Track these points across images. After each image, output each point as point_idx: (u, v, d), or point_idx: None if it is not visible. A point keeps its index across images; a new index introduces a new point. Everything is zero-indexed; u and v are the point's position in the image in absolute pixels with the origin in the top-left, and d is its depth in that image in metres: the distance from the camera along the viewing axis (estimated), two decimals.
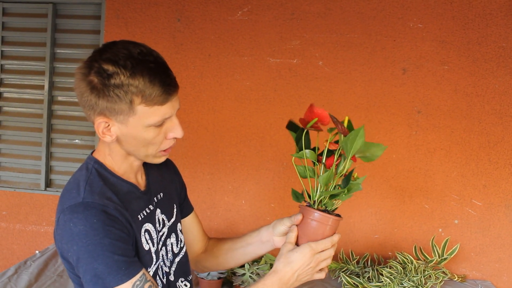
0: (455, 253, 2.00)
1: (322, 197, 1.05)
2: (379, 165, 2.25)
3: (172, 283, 1.18)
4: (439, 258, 2.00)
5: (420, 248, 2.05)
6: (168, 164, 1.27)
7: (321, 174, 1.04)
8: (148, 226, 1.11)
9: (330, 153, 1.06)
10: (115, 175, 1.07)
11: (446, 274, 1.98)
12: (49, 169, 2.61)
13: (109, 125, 0.99)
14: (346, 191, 1.05)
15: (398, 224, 2.28)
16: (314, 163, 1.08)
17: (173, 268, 1.20)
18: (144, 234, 1.09)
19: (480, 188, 2.22)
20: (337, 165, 1.05)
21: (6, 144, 2.64)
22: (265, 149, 2.32)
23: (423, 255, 2.02)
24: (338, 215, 1.06)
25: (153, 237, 1.13)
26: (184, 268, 1.25)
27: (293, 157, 1.08)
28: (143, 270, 0.98)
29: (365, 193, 2.27)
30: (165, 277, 1.16)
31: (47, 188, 2.59)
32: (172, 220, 1.22)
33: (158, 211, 1.16)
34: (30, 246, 2.58)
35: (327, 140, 1.06)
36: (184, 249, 1.24)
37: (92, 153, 1.11)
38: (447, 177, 2.23)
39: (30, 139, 2.62)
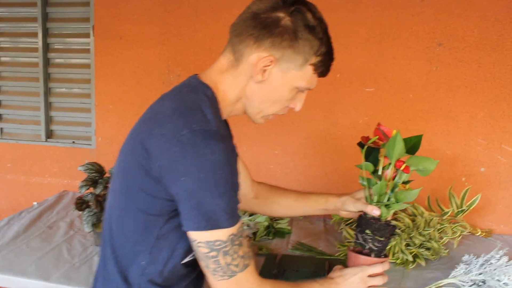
0: (475, 204, 1.75)
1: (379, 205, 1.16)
2: (393, 106, 2.00)
3: None
4: (456, 209, 1.76)
5: (436, 199, 1.81)
6: None
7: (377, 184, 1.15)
8: None
9: (388, 166, 1.14)
10: (221, 115, 1.00)
11: (466, 228, 1.75)
12: (49, 120, 2.53)
13: (269, 65, 0.97)
14: (394, 200, 1.14)
15: (415, 172, 2.03)
16: (372, 175, 1.18)
17: None
18: None
19: (511, 131, 1.93)
20: (393, 177, 1.14)
21: (5, 96, 2.57)
22: None
23: (438, 207, 1.79)
24: (385, 255, 1.17)
25: None
26: None
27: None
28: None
29: None
30: None
31: (48, 139, 2.52)
32: None
33: None
34: (35, 197, 2.54)
35: (382, 156, 1.16)
36: None
37: (198, 77, 1.04)
38: (472, 118, 1.95)
39: (27, 90, 2.53)
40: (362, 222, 1.18)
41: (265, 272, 1.45)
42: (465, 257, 1.56)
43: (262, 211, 1.44)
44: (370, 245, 1.15)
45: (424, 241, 1.66)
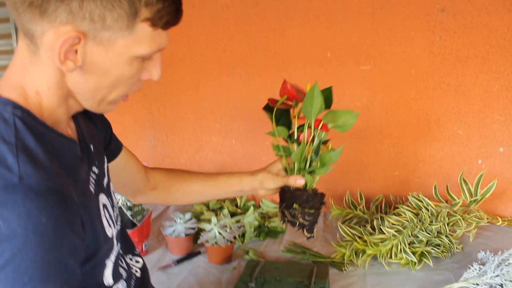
0: (491, 191, 1.51)
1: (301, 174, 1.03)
2: (393, 84, 1.77)
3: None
4: (470, 198, 1.53)
5: (446, 186, 1.58)
6: None
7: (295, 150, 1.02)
8: (103, 197, 0.81)
9: (302, 128, 1.02)
10: (50, 128, 0.70)
11: (482, 218, 1.52)
12: None
13: (79, 42, 0.64)
14: (319, 165, 1.01)
15: (423, 157, 1.81)
16: (287, 141, 1.05)
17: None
18: (104, 213, 0.78)
19: None
20: (312, 140, 1.02)
21: None
22: (252, 78, 1.91)
23: (449, 196, 1.56)
24: None
25: (111, 213, 0.81)
26: (126, 241, 0.95)
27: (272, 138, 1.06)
28: None
29: (378, 121, 1.81)
30: (123, 259, 0.87)
31: None
32: (106, 180, 0.87)
33: (97, 170, 0.82)
34: None
35: (295, 116, 1.03)
36: (119, 217, 0.92)
37: None
38: (486, 92, 1.70)
39: None
40: (286, 196, 1.04)
41: (241, 285, 1.26)
42: (481, 254, 1.35)
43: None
44: (300, 220, 1.03)
45: (431, 238, 1.44)
